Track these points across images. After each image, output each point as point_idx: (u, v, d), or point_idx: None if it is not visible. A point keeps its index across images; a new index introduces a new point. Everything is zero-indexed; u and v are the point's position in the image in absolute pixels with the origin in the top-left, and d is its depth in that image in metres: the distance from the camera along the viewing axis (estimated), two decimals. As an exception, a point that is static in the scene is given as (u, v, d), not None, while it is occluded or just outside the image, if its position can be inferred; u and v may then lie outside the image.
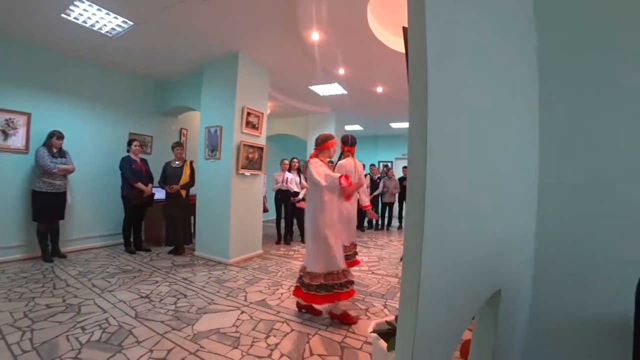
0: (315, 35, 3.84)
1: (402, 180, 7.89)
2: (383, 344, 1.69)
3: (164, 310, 2.73)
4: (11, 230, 3.95)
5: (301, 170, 6.14)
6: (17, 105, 3.97)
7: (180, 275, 3.74)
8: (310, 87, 5.87)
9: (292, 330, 2.48)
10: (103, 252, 4.65)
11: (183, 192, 4.65)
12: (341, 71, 5.02)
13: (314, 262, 2.58)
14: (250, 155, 4.59)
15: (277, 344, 2.25)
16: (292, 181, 5.73)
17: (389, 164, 9.99)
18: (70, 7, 3.26)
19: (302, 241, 5.97)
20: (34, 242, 4.01)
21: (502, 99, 1.17)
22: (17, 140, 4.00)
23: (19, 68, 4.01)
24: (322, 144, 2.90)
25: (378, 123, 9.05)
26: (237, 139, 4.40)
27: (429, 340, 0.92)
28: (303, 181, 5.98)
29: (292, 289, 2.94)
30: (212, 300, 3.01)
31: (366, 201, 3.63)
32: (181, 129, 6.21)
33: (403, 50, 1.48)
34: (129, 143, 4.69)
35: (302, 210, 5.93)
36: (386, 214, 8.13)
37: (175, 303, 2.89)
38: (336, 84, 5.61)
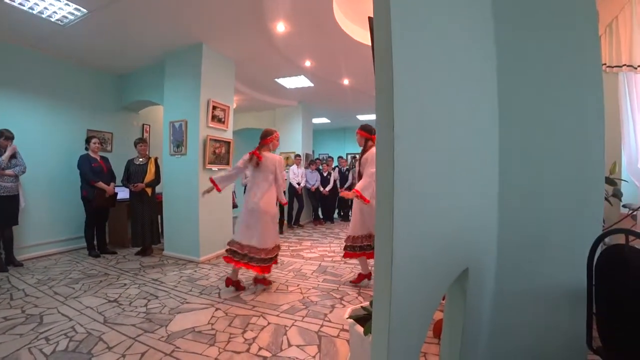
0: (281, 27, 3.80)
1: None
2: (360, 329, 1.74)
3: (135, 313, 2.64)
4: (-43, 239, 3.64)
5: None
6: (-45, 102, 3.63)
7: (150, 276, 3.62)
8: (276, 79, 5.82)
9: (268, 323, 2.49)
10: (64, 257, 4.39)
11: (148, 190, 4.48)
12: (307, 63, 5.01)
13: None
14: (217, 150, 4.49)
15: (254, 338, 2.25)
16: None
17: (357, 156, 10.12)
18: (14, -8, 3.00)
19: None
20: (-15, 251, 3.72)
21: (466, 84, 1.23)
22: (-42, 140, 3.66)
23: (-44, 61, 3.65)
24: (264, 138, 3.23)
25: (345, 115, 9.14)
26: (203, 134, 4.29)
27: (403, 320, 0.97)
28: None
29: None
30: (185, 299, 2.95)
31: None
32: (143, 124, 5.95)
33: (369, 43, 1.51)
34: (87, 140, 4.44)
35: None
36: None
37: (146, 305, 2.81)
38: (302, 76, 5.59)
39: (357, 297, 2.99)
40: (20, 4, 3.19)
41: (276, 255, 3.25)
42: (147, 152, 4.71)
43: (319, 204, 7.72)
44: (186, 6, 3.34)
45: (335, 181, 7.78)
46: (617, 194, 2.33)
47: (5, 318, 2.50)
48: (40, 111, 4.43)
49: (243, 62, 4.92)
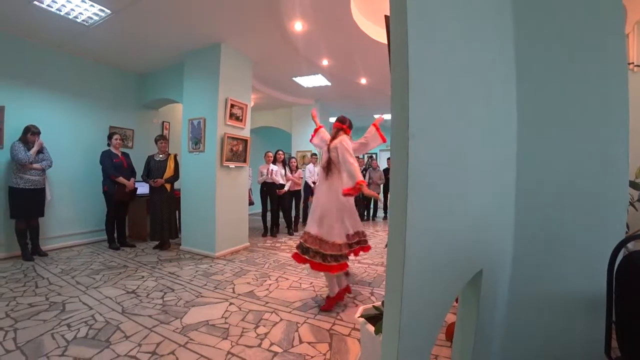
0: (298, 26, 3.81)
1: (386, 171, 7.97)
2: (370, 328, 1.73)
3: (152, 304, 2.72)
4: (-13, 229, 3.82)
5: (286, 162, 6.13)
6: (-12, 98, 3.81)
7: (167, 269, 3.71)
8: (293, 78, 5.85)
9: (280, 319, 2.51)
10: (86, 249, 4.55)
11: (167, 186, 4.59)
12: (325, 62, 5.01)
13: None
14: (234, 148, 4.55)
15: (266, 334, 2.28)
16: (277, 173, 5.72)
17: (374, 156, 10.05)
18: (42, -5, 3.13)
19: (289, 233, 6.01)
20: (13, 241, 3.89)
21: (482, 84, 1.21)
22: (-10, 135, 3.84)
23: (-10, 60, 3.84)
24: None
25: (362, 115, 9.09)
26: (221, 131, 4.35)
27: (415, 320, 0.96)
28: (288, 173, 5.99)
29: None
30: (200, 293, 3.01)
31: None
32: (163, 122, 6.09)
33: (386, 42, 1.50)
34: (110, 137, 4.58)
35: (288, 202, 5.97)
36: (371, 205, 8.22)
37: (162, 297, 2.88)
38: (320, 75, 5.59)
39: (369, 297, 2.98)
40: (48, 5, 3.32)
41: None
42: (167, 149, 4.82)
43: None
44: (206, 6, 3.40)
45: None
46: (643, 199, 2.24)
47: (31, 305, 2.62)
48: (65, 108, 4.61)
49: (261, 61, 4.97)
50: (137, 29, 3.88)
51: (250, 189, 5.60)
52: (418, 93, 0.88)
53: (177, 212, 4.97)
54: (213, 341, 2.15)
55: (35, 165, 3.82)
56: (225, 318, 2.51)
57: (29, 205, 3.83)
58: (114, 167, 4.41)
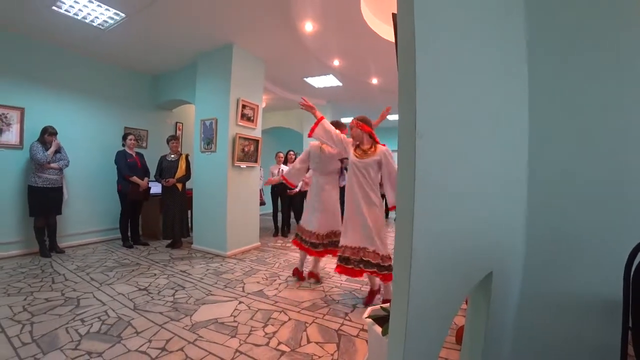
0: (309, 26, 3.82)
1: None
2: (378, 329, 1.72)
3: (163, 301, 2.76)
4: (9, 226, 3.95)
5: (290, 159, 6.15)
6: (10, 100, 3.94)
7: (178, 267, 3.76)
8: (305, 79, 5.86)
9: (289, 319, 2.51)
10: (101, 246, 4.66)
11: (179, 186, 4.66)
12: (336, 62, 5.00)
13: None
14: (245, 148, 4.59)
15: (274, 333, 2.28)
16: (288, 174, 5.72)
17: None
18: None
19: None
20: (32, 238, 4.02)
21: (492, 83, 1.18)
22: (11, 136, 3.97)
23: (11, 62, 3.97)
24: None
25: (374, 115, 9.03)
26: (233, 132, 4.40)
27: (422, 323, 0.94)
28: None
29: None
30: (210, 291, 3.04)
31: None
32: (176, 122, 6.19)
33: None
34: (124, 137, 4.68)
35: (299, 203, 5.97)
36: (384, 206, 8.15)
37: (173, 295, 2.92)
38: (331, 75, 5.59)
39: (379, 298, 2.95)
40: (66, 10, 3.42)
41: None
42: (179, 149, 4.89)
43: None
44: (218, 8, 3.44)
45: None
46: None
47: (47, 299, 2.69)
48: (82, 109, 4.73)
49: (272, 62, 4.99)
50: (150, 31, 3.96)
51: (261, 189, 5.63)
52: (426, 92, 0.87)
53: (189, 211, 5.04)
54: (221, 339, 2.17)
55: (52, 165, 3.93)
56: (235, 316, 2.53)
57: (47, 203, 3.95)
58: (128, 166, 4.50)
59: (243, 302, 2.80)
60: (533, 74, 1.33)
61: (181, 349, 2.02)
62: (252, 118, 4.70)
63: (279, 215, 6.02)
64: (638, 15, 1.18)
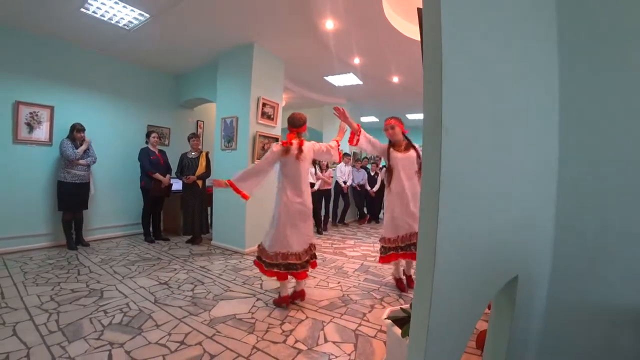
0: (330, 24, 3.80)
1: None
2: (397, 331, 1.68)
3: (182, 296, 2.80)
4: (38, 220, 4.13)
5: (317, 161, 6.13)
6: (40, 98, 4.11)
7: (198, 263, 3.82)
8: (325, 77, 5.84)
9: (307, 317, 2.50)
10: (124, 241, 4.80)
11: (199, 183, 4.73)
12: (356, 60, 4.96)
13: None
14: (266, 146, 4.61)
15: (291, 330, 2.27)
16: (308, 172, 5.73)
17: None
18: (89, 1, 3.32)
19: (318, 232, 6.01)
20: (60, 231, 4.18)
21: (521, 79, 1.13)
22: (41, 133, 4.14)
23: (42, 63, 4.14)
24: (302, 126, 2.76)
25: (394, 114, 8.94)
26: (253, 130, 4.43)
27: (444, 325, 0.90)
28: (318, 172, 5.99)
29: None
30: (229, 287, 3.06)
31: None
32: (198, 120, 6.30)
33: (419, 39, 1.44)
34: (148, 135, 4.79)
35: (317, 202, 5.96)
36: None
37: (192, 290, 2.96)
38: (351, 74, 5.55)
39: (397, 300, 2.91)
40: (94, 12, 3.54)
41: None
42: (200, 147, 4.97)
43: (364, 203, 7.63)
44: (240, 8, 3.47)
45: (383, 181, 7.64)
46: None
47: (73, 290, 2.79)
48: (107, 108, 4.89)
49: (292, 61, 5.00)
50: (174, 32, 4.03)
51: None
52: (452, 86, 0.83)
53: (209, 208, 5.12)
54: (239, 335, 2.18)
55: (81, 161, 4.07)
56: (252, 313, 2.53)
57: (75, 198, 4.10)
58: (151, 163, 4.61)
59: (261, 299, 2.81)
60: (564, 69, 1.27)
61: (199, 343, 2.04)
62: (272, 116, 4.72)
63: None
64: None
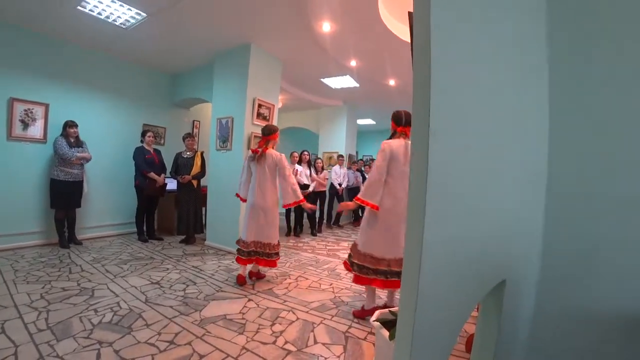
0: (326, 26, 3.82)
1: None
2: (385, 333, 1.69)
3: (173, 296, 2.80)
4: (30, 217, 4.11)
5: (312, 163, 6.15)
6: (35, 96, 4.10)
7: (191, 263, 3.81)
8: (322, 79, 5.86)
9: (297, 318, 2.50)
10: (117, 240, 4.78)
11: (194, 183, 4.73)
12: (353, 63, 4.98)
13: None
14: (260, 147, 4.61)
15: (282, 332, 2.28)
16: (302, 174, 5.75)
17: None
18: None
19: (312, 234, 6.02)
20: (52, 229, 4.16)
21: (510, 82, 1.14)
22: (35, 130, 4.12)
23: (38, 60, 4.12)
24: (271, 134, 3.18)
25: (390, 117, 8.98)
26: (248, 130, 4.43)
27: (429, 330, 0.91)
28: (313, 174, 6.00)
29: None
30: (221, 287, 3.06)
31: None
32: (194, 120, 6.29)
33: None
34: (143, 134, 4.79)
35: (312, 203, 5.96)
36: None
37: (184, 289, 2.96)
38: (348, 76, 5.57)
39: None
40: (90, 10, 3.53)
41: (278, 252, 3.26)
42: (195, 147, 4.97)
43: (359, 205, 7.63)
44: (237, 9, 3.48)
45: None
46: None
47: (63, 288, 2.78)
48: (103, 106, 4.88)
49: (289, 62, 5.02)
50: (170, 30, 4.03)
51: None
52: (440, 89, 0.84)
53: (203, 208, 5.11)
54: (229, 335, 2.18)
55: (78, 154, 4.07)
56: (243, 314, 2.54)
57: (68, 196, 4.08)
58: (145, 162, 4.60)
59: (252, 300, 2.81)
60: (554, 73, 1.28)
61: (189, 343, 2.04)
62: (267, 117, 4.73)
63: (292, 215, 6.03)
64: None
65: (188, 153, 4.81)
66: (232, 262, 3.96)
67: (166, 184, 4.91)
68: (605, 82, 1.20)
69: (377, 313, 1.94)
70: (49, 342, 1.93)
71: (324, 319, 2.52)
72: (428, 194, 0.83)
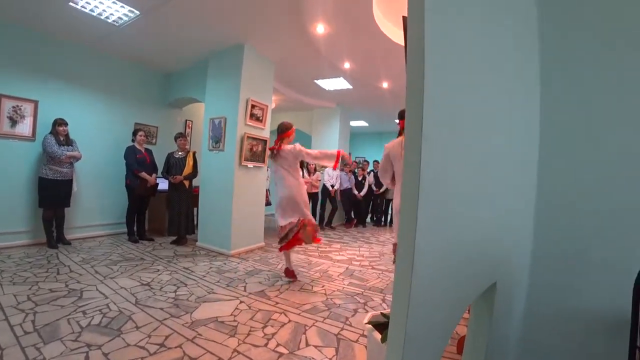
0: (320, 28, 3.83)
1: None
2: (377, 336, 1.69)
3: (164, 297, 2.77)
4: (18, 216, 4.02)
5: (304, 164, 6.14)
6: (24, 92, 4.02)
7: (182, 264, 3.77)
8: (315, 81, 5.86)
9: (289, 321, 2.49)
10: (107, 240, 4.71)
11: (186, 183, 4.69)
12: (346, 65, 5.00)
13: None
14: (253, 148, 4.60)
15: (273, 334, 2.27)
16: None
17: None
18: (78, -5, 3.28)
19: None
20: (40, 229, 4.08)
21: (502, 86, 1.16)
22: (24, 127, 4.04)
23: (28, 56, 4.05)
24: (284, 132, 3.37)
25: (384, 120, 9.02)
26: (241, 131, 4.41)
27: (421, 332, 0.92)
28: (306, 175, 5.99)
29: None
30: (212, 289, 3.04)
31: None
32: (186, 120, 6.24)
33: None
34: (134, 133, 4.73)
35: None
36: (389, 210, 8.11)
37: (175, 291, 2.93)
38: (341, 78, 5.59)
39: (381, 304, 2.92)
40: (82, 6, 3.49)
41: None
42: (187, 147, 4.93)
43: (351, 207, 7.66)
44: (230, 8, 3.47)
45: (370, 185, 7.70)
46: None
47: (51, 290, 2.73)
48: (94, 104, 4.81)
49: (283, 63, 5.01)
50: (163, 29, 4.00)
51: (267, 190, 5.63)
52: (433, 93, 0.85)
53: (195, 208, 5.07)
54: (220, 338, 2.16)
55: (68, 154, 4.01)
56: (235, 316, 2.52)
57: (56, 195, 4.01)
58: (137, 162, 4.55)
59: (244, 302, 2.79)
60: (545, 78, 1.31)
61: (179, 346, 2.02)
62: (261, 118, 4.71)
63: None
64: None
65: (180, 153, 4.77)
66: (224, 263, 3.94)
67: (157, 184, 4.86)
68: (596, 87, 1.23)
69: (369, 315, 1.94)
70: (35, 345, 1.89)
71: (316, 321, 2.52)
72: (420, 198, 0.84)
